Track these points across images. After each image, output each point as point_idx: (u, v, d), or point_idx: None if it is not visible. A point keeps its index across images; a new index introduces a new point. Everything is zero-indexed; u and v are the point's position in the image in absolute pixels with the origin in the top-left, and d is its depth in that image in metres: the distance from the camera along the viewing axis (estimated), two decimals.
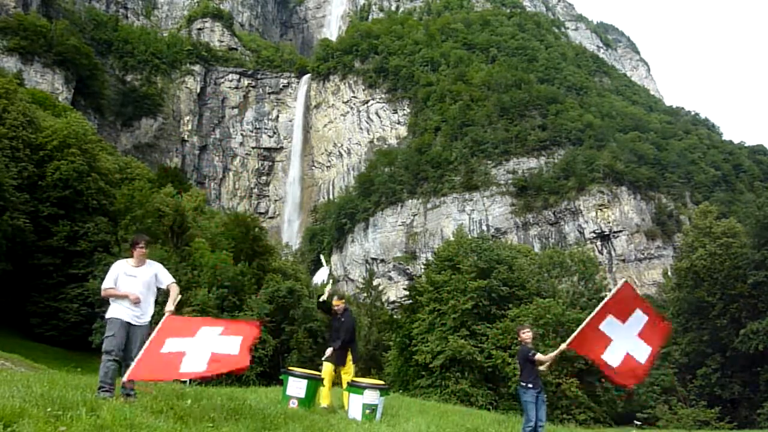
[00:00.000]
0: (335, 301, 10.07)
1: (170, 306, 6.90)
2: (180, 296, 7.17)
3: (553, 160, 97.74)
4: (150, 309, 7.15)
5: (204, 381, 6.89)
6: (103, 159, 49.05)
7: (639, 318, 7.08)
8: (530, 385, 8.24)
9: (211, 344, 6.11)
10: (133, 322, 6.89)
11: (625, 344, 7.01)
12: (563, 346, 7.82)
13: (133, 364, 6.06)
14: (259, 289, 36.00)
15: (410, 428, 8.09)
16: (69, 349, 36.47)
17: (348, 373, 9.77)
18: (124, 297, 6.84)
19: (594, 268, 41.29)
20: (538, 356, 8.41)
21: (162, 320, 6.48)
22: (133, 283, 6.91)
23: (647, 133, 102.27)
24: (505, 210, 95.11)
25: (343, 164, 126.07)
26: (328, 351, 9.74)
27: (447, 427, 9.03)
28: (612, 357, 6.99)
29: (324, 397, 9.40)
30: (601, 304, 7.41)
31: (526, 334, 8.54)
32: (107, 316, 6.89)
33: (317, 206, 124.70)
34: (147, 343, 6.26)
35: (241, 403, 7.55)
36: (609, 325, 7.05)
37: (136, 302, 6.86)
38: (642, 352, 6.99)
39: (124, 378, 6.18)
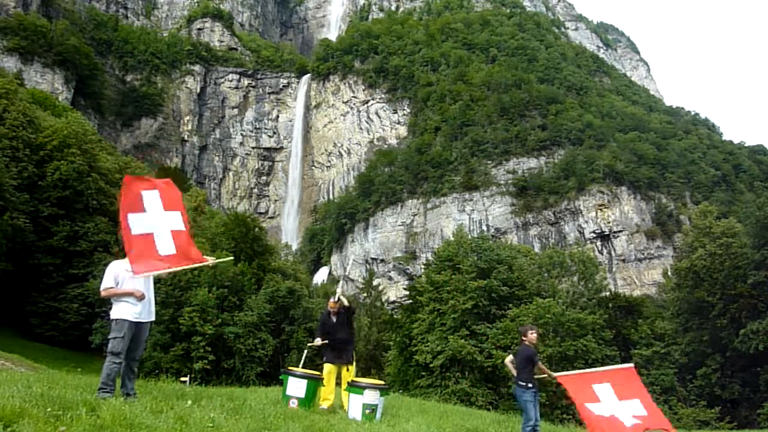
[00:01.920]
0: (331, 303, 10.04)
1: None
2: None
3: (553, 160, 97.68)
4: (153, 306, 7.15)
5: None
6: (103, 159, 49.03)
7: (636, 407, 7.17)
8: (530, 385, 8.37)
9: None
10: (139, 321, 6.89)
11: (614, 410, 7.12)
12: (555, 375, 8.34)
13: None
14: (259, 289, 36.01)
15: (410, 428, 8.09)
16: (69, 349, 36.49)
17: (349, 372, 9.76)
18: (129, 294, 6.80)
19: (594, 268, 41.37)
20: (540, 364, 8.68)
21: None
22: (136, 280, 6.90)
23: (647, 133, 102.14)
24: (505, 210, 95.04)
25: (343, 164, 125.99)
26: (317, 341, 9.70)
27: (447, 428, 9.04)
28: (596, 409, 7.15)
29: (324, 397, 9.39)
30: (604, 369, 8.00)
31: (533, 335, 8.61)
32: (114, 316, 6.82)
33: (317, 206, 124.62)
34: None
35: (241, 403, 7.56)
36: (602, 389, 7.35)
37: (142, 298, 6.87)
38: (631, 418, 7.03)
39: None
